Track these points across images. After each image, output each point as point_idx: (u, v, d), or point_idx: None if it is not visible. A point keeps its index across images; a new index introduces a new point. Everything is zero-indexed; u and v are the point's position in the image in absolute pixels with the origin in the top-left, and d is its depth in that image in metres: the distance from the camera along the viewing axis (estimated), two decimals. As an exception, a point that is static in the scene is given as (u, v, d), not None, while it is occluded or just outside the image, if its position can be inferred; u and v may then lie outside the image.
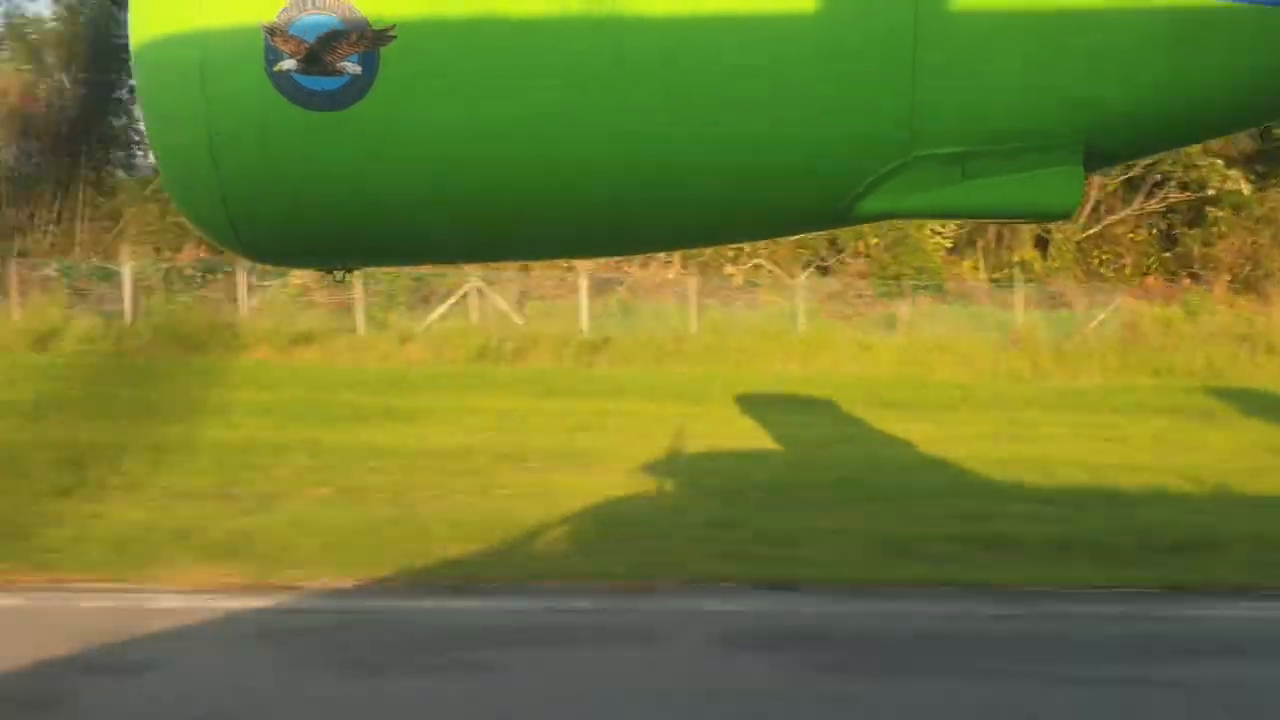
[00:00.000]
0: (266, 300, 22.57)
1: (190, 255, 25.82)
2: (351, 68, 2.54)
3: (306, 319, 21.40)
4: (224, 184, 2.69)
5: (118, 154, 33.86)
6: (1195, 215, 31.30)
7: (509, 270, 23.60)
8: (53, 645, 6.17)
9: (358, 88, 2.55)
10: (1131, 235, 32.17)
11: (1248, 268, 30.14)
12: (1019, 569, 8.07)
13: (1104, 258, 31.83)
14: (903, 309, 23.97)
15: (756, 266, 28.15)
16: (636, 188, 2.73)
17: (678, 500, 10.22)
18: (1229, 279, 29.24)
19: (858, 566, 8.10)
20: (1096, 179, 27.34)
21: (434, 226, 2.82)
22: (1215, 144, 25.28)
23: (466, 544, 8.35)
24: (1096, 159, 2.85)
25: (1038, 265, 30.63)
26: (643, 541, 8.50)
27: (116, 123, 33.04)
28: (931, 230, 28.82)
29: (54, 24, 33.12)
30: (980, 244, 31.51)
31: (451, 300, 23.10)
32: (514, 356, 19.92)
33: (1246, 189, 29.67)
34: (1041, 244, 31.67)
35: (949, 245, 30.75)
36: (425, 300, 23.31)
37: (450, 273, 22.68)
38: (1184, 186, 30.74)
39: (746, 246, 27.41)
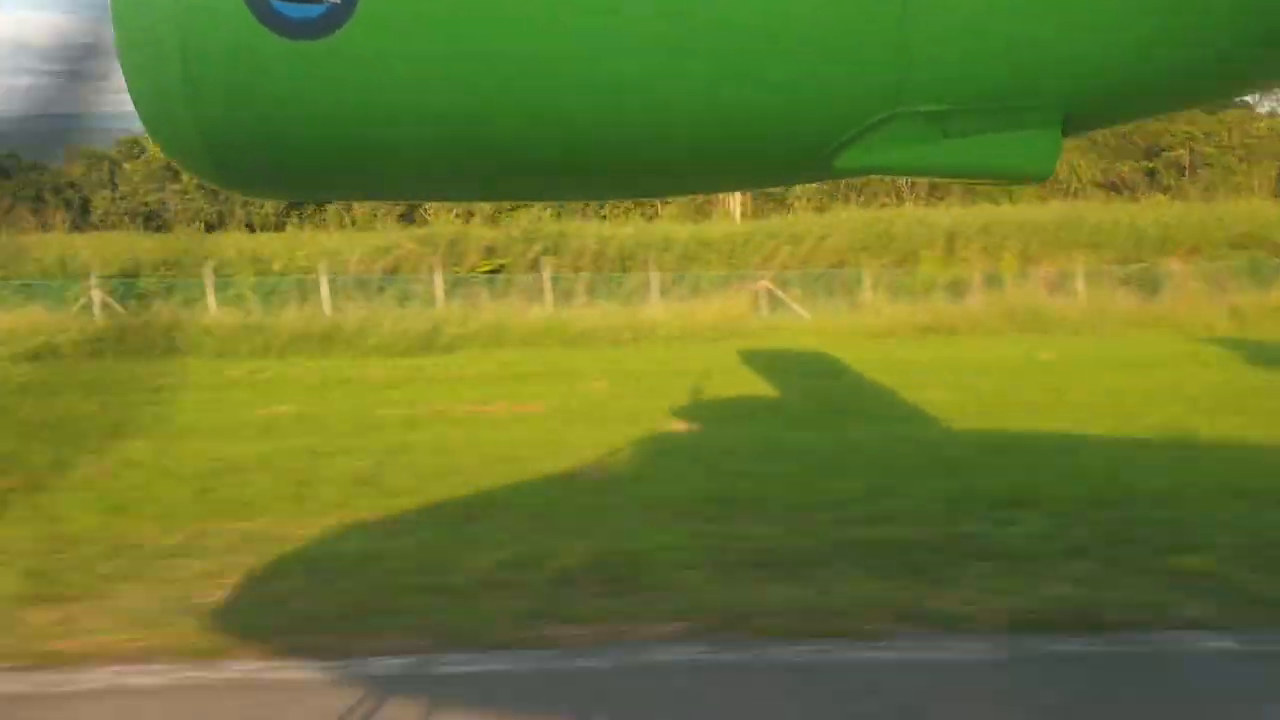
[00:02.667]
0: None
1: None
2: (332, -5, 2.49)
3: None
4: (200, 115, 2.64)
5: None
6: None
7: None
8: None
9: (338, 16, 2.50)
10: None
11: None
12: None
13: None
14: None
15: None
16: (616, 128, 2.70)
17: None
18: None
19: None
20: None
21: (413, 162, 2.78)
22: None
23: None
24: (1074, 124, 2.86)
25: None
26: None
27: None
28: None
29: None
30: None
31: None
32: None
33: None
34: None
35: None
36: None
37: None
38: None
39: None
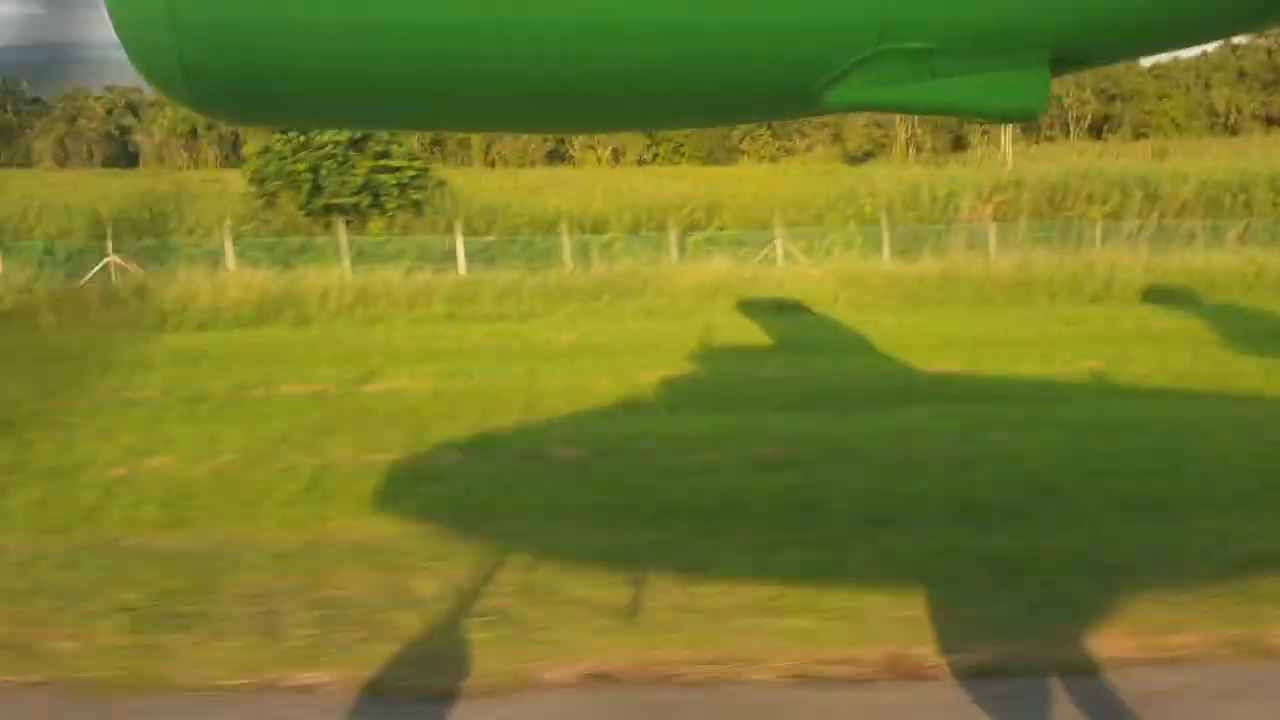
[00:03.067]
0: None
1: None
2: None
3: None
4: (179, 38, 2.61)
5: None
6: None
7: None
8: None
9: None
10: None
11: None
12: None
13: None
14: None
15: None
16: (598, 58, 2.66)
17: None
18: None
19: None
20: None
21: (395, 88, 2.75)
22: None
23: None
24: (1062, 63, 2.85)
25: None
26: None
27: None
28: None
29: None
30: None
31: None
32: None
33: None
34: None
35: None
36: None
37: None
38: None
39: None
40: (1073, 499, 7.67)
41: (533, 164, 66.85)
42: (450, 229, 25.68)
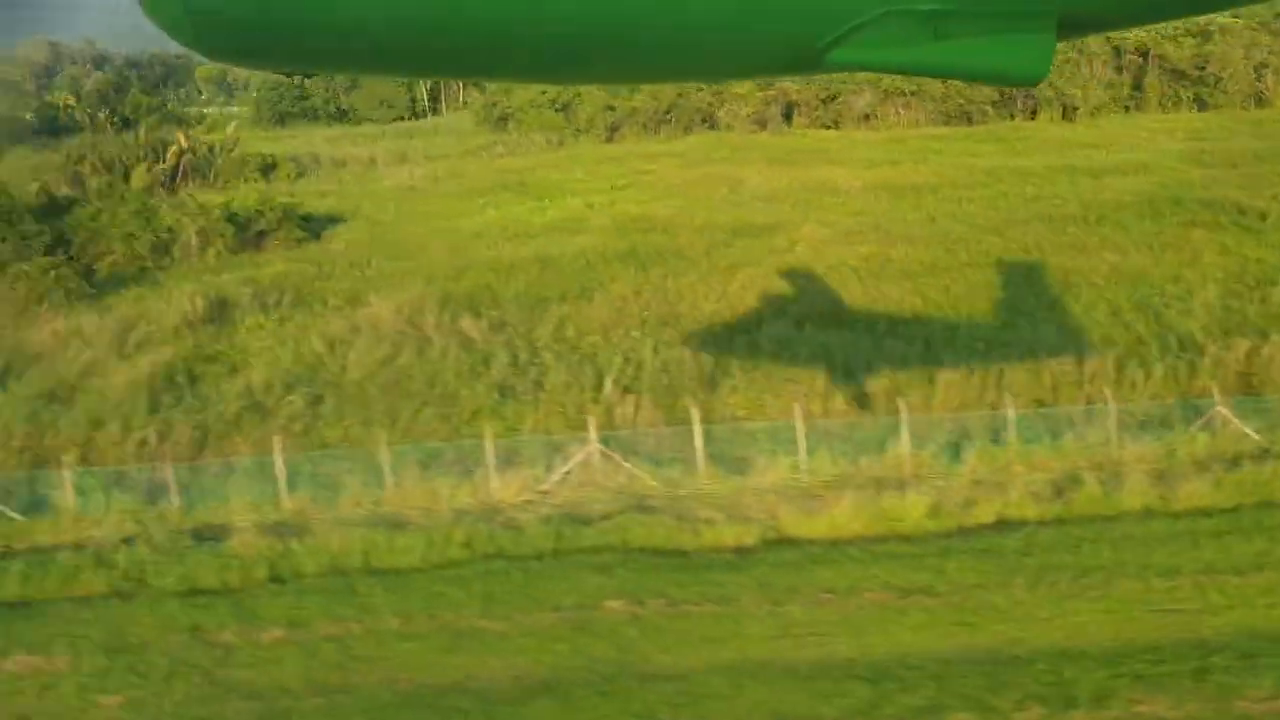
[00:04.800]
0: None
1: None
2: None
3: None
4: None
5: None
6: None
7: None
8: None
9: None
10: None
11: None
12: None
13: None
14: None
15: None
16: (600, 10, 2.66)
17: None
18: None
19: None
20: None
21: (388, 30, 2.72)
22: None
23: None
24: (1069, 27, 2.84)
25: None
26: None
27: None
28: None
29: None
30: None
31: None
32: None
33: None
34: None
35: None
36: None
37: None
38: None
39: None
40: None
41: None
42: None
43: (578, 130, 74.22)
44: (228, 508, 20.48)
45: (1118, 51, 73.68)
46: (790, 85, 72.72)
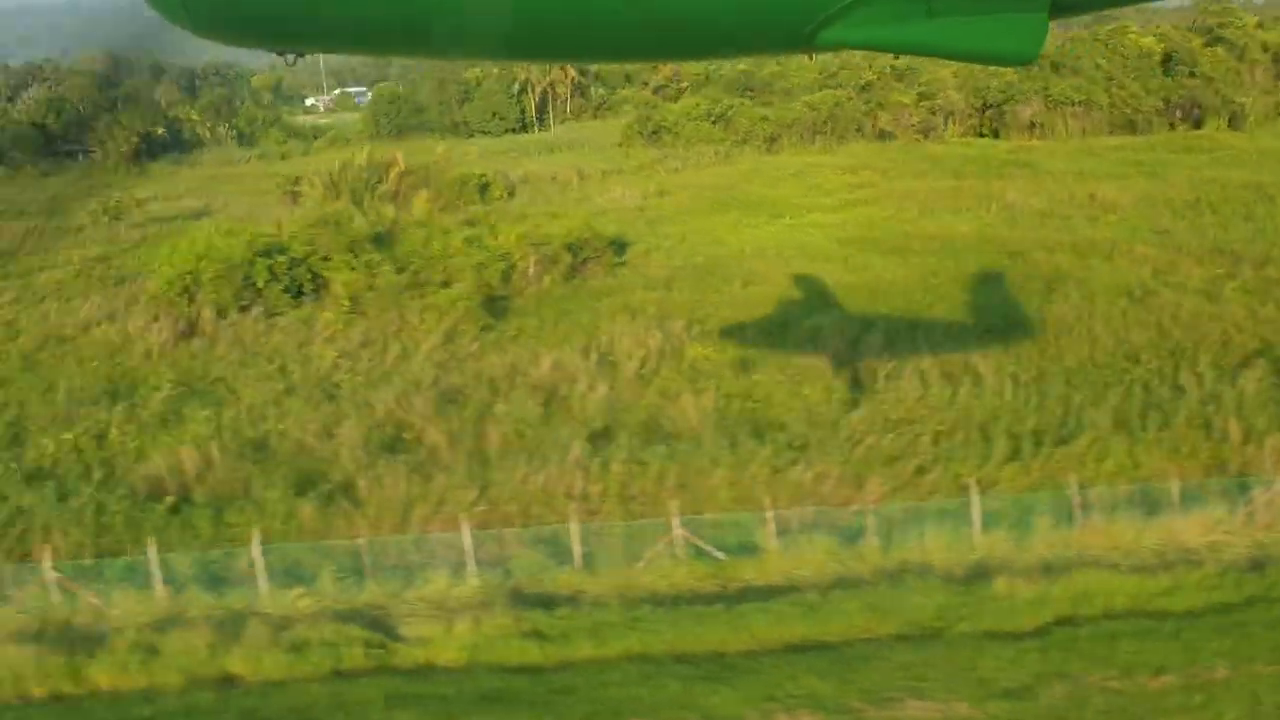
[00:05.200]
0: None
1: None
2: None
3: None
4: None
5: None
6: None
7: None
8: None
9: None
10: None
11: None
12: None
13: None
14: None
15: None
16: None
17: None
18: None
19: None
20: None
21: (377, 8, 2.75)
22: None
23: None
24: (1062, 7, 2.91)
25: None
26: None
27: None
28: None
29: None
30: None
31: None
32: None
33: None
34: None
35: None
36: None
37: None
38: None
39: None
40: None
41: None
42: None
43: (736, 141, 71.50)
44: (923, 546, 19.53)
45: (1276, 59, 69.84)
46: (954, 94, 70.61)
